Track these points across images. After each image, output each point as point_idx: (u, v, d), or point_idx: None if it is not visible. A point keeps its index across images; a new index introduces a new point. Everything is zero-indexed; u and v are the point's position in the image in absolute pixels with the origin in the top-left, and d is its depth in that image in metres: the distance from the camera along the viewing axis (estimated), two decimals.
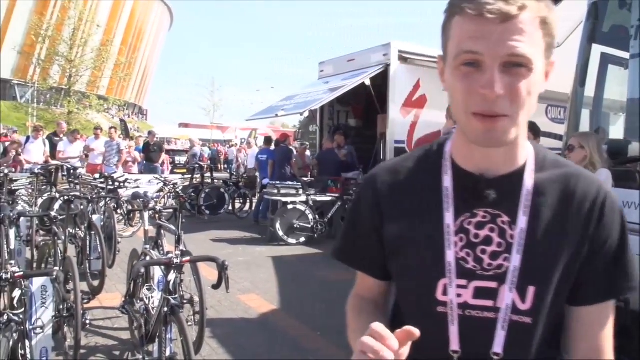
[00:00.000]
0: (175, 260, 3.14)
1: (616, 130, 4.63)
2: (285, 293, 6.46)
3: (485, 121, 0.96)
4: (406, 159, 1.19)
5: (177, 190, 11.80)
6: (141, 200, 4.65)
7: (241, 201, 13.37)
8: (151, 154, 15.01)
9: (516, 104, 0.96)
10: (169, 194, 11.62)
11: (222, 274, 3.05)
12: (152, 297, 3.90)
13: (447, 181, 1.07)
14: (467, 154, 1.07)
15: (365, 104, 13.37)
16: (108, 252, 5.94)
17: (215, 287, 3.12)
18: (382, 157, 12.35)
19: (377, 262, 1.21)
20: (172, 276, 3.27)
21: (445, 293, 1.05)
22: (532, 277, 1.03)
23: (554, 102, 9.95)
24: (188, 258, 3.20)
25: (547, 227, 1.04)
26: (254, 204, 12.62)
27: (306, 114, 14.94)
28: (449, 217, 1.05)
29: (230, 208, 12.79)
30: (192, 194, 11.14)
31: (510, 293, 1.02)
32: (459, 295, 1.03)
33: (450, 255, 1.04)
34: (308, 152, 14.29)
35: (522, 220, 1.03)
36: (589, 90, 4.45)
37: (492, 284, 1.03)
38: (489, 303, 1.03)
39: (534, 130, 4.47)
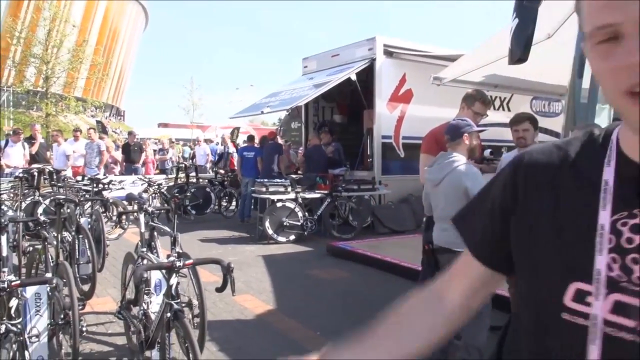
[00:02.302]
0: (177, 264, 3.04)
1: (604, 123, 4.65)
2: (279, 292, 6.40)
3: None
4: (564, 143, 1.04)
5: (162, 190, 11.68)
6: (137, 201, 4.52)
7: (227, 200, 13.29)
8: (132, 154, 14.83)
9: None
10: (154, 195, 11.47)
11: (227, 277, 2.98)
12: (150, 301, 3.79)
13: (609, 173, 0.93)
14: (635, 144, 0.92)
15: (350, 100, 13.38)
16: (97, 255, 5.79)
17: (220, 290, 3.04)
18: (369, 153, 12.38)
19: (490, 244, 1.07)
20: (173, 280, 3.18)
21: (576, 299, 0.91)
22: None
23: (540, 94, 9.99)
24: (191, 261, 3.10)
25: None
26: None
27: (288, 111, 14.88)
28: (604, 216, 0.91)
29: (217, 207, 12.67)
30: (177, 194, 11.01)
31: None
32: (588, 305, 0.89)
33: (600, 262, 0.89)
34: (291, 150, 14.23)
35: None
36: (586, 82, 4.44)
37: (638, 301, 0.86)
38: (630, 323, 0.86)
39: (534, 123, 4.44)
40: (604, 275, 0.88)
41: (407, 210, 10.88)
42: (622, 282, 0.88)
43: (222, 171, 14.18)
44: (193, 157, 19.19)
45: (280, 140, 13.54)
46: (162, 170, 16.60)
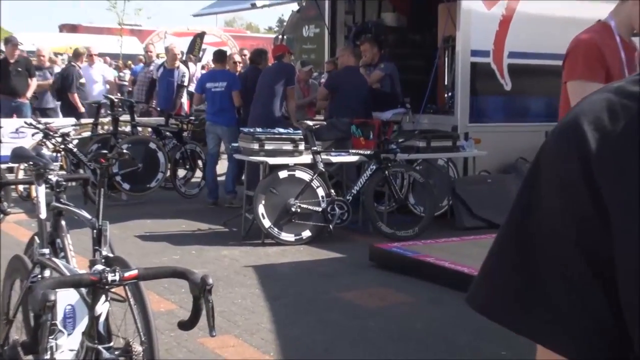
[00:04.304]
0: (108, 278, 3.07)
1: None
2: (285, 334, 6.45)
3: None
4: (624, 94, 1.05)
5: (69, 145, 11.72)
6: (32, 163, 4.58)
7: (188, 165, 13.34)
8: (11, 81, 14.92)
9: None
10: (56, 154, 11.51)
11: (199, 302, 3.00)
12: (58, 345, 3.84)
13: None
14: None
15: None
16: None
17: (186, 326, 3.09)
18: (446, 83, 12.27)
19: (590, 325, 1.02)
20: (101, 307, 3.22)
21: None
22: None
23: None
24: (133, 272, 3.13)
25: None
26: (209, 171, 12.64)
27: (299, 5, 14.77)
28: None
29: (169, 179, 12.77)
30: (103, 153, 10.97)
31: None
32: None
33: None
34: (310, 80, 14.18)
35: None
36: None
37: None
38: None
39: None
40: None
41: (515, 187, 10.81)
42: None
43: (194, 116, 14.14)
44: (133, 85, 19.21)
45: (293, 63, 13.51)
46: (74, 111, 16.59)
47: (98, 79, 17.36)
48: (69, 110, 16.06)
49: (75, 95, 16.05)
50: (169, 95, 14.21)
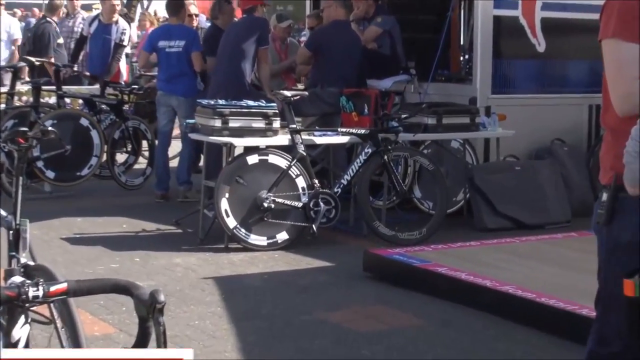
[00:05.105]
0: (31, 292, 3.01)
1: None
2: None
3: None
4: None
5: None
6: None
7: (130, 148, 13.34)
8: None
9: None
10: None
11: (147, 326, 2.94)
12: None
13: None
14: None
15: None
16: None
17: None
18: (461, 42, 12.28)
19: None
20: (20, 330, 3.17)
21: None
22: None
23: None
24: (62, 286, 3.07)
25: None
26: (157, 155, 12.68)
27: None
28: None
29: (106, 165, 12.76)
30: (21, 132, 10.94)
31: None
32: None
33: None
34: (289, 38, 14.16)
35: None
36: None
37: None
38: None
39: None
40: None
41: (551, 177, 10.91)
42: None
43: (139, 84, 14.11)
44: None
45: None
46: None
47: (3, 36, 17.34)
48: None
49: None
50: (104, 57, 14.16)
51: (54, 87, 13.13)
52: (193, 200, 11.22)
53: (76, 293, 3.24)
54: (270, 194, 9.61)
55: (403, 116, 10.32)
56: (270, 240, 9.65)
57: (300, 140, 9.85)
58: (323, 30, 11.85)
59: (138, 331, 3.00)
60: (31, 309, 3.18)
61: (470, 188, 10.71)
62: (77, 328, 4.15)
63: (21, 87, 13.49)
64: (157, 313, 2.95)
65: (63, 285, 3.15)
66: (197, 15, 15.50)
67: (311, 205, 9.70)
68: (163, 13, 19.20)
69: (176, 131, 12.99)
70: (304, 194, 9.73)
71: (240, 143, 9.71)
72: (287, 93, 10.30)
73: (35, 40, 16.23)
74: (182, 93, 12.02)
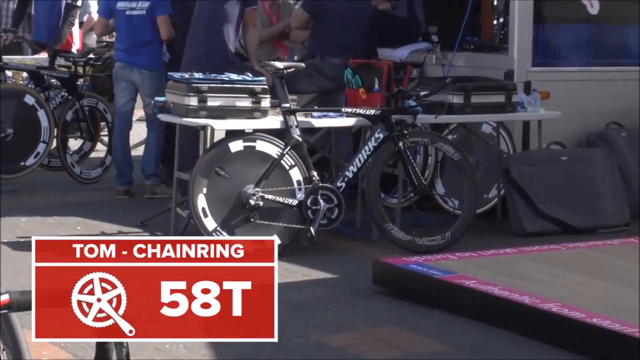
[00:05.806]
0: None
1: None
2: None
3: None
4: None
5: None
6: None
7: (85, 132, 13.41)
8: None
9: None
10: None
11: (108, 348, 2.97)
12: None
13: None
14: None
15: None
16: None
17: None
18: (495, 3, 12.27)
19: None
20: None
21: None
22: None
23: None
24: (6, 298, 3.11)
25: None
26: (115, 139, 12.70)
27: None
28: None
29: (57, 152, 12.84)
30: None
31: None
32: None
33: None
34: None
35: None
36: None
37: None
38: None
39: None
40: None
41: (605, 169, 10.94)
42: None
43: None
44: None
45: None
46: None
47: None
48: None
49: None
50: (53, 22, 14.17)
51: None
52: (162, 196, 11.31)
53: (20, 307, 3.26)
54: (258, 189, 9.64)
55: (422, 93, 10.35)
56: None
57: (295, 123, 9.88)
58: None
59: (95, 356, 3.03)
60: None
61: (505, 183, 10.73)
62: (21, 351, 4.16)
63: None
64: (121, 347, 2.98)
65: (4, 298, 3.18)
66: None
67: (308, 203, 9.74)
68: None
69: (140, 112, 13.00)
70: (299, 190, 9.77)
71: (221, 126, 9.76)
72: (279, 64, 10.32)
73: None
74: (145, 65, 12.06)
